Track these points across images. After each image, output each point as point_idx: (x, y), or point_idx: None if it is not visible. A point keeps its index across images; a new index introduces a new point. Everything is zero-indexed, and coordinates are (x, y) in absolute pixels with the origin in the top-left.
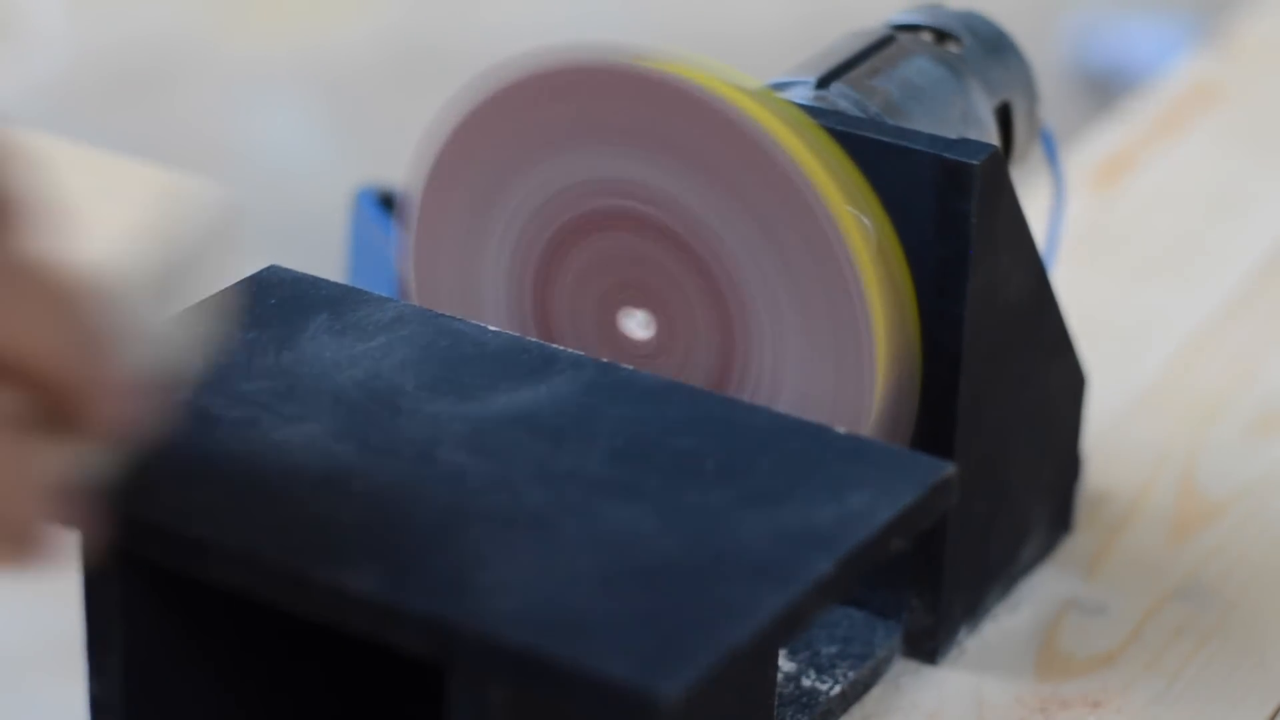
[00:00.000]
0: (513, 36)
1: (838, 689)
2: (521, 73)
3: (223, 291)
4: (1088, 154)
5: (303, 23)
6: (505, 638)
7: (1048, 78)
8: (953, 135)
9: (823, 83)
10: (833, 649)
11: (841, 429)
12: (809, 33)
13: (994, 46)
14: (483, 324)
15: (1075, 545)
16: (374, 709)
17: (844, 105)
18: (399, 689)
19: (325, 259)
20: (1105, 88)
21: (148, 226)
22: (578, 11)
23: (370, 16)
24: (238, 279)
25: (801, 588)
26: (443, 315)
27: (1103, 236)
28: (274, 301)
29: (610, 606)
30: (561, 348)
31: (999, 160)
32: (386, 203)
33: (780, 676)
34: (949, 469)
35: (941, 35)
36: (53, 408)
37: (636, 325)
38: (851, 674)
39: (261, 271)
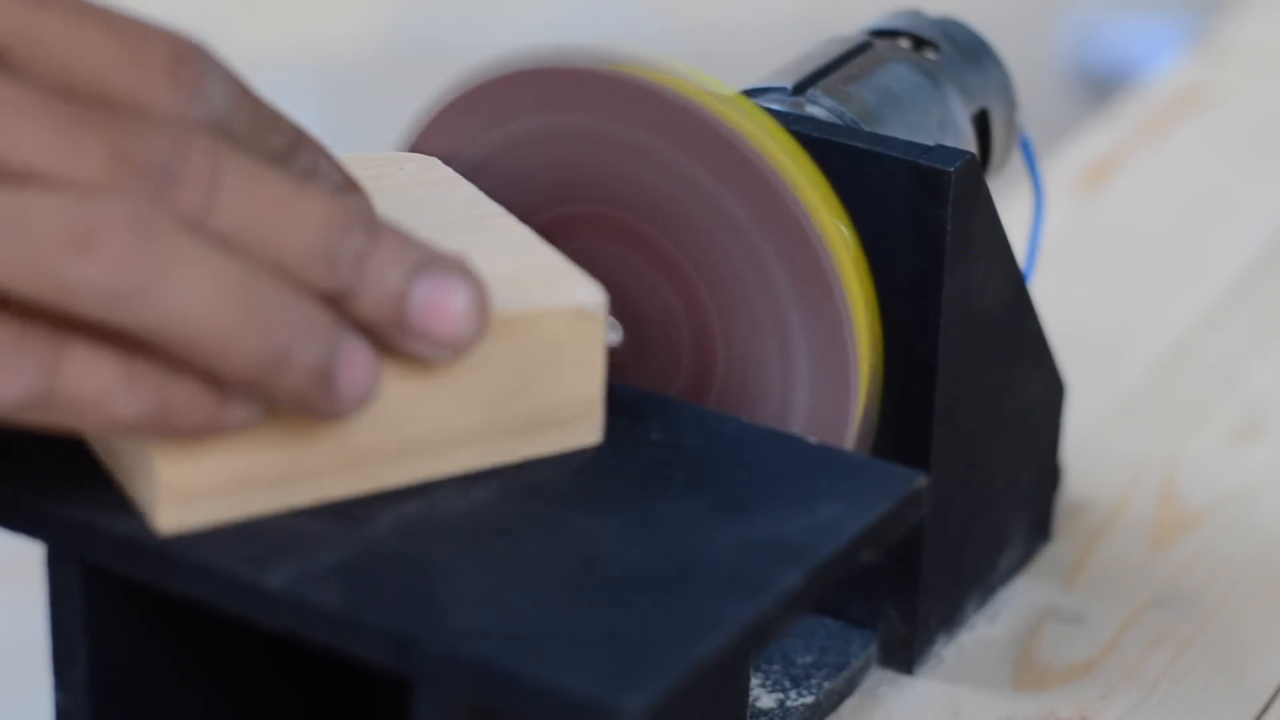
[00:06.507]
0: (509, 33)
1: (812, 699)
2: (493, 77)
3: None
4: (1071, 158)
5: (299, 17)
6: (468, 652)
7: (1046, 78)
8: (929, 142)
9: (799, 89)
10: (808, 659)
11: (814, 439)
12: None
13: (972, 53)
14: None
15: (1054, 554)
16: (343, 717)
17: (820, 112)
18: (367, 697)
19: None
20: (1104, 87)
21: None
22: (575, 9)
23: (366, 12)
24: None
25: (770, 600)
26: None
27: (1085, 242)
28: None
29: (575, 619)
30: None
31: (974, 167)
32: None
33: (753, 687)
34: (921, 480)
35: (919, 42)
36: None
37: (610, 332)
38: (827, 684)
39: None
